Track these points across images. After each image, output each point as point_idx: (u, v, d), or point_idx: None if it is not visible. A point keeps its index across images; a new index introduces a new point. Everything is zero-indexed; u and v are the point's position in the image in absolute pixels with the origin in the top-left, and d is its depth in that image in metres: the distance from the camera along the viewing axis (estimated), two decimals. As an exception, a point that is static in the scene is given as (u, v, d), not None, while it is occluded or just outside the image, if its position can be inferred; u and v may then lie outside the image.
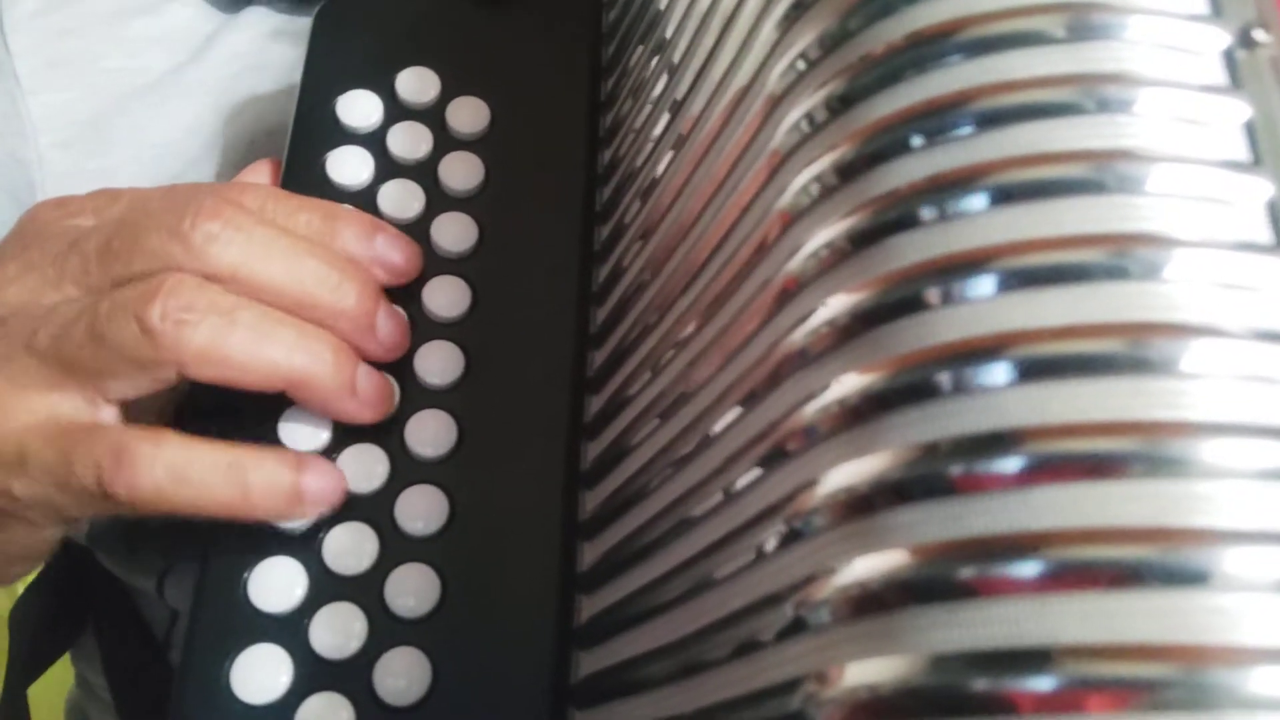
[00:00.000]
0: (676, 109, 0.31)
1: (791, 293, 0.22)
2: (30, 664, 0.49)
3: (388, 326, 0.32)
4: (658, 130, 0.32)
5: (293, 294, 0.30)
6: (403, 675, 0.30)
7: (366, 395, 0.31)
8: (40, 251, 0.30)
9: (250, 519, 0.29)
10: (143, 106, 0.43)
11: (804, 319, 0.21)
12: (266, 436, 0.32)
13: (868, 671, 0.18)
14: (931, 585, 0.18)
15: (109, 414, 0.30)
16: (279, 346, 0.29)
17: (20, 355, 0.29)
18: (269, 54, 0.45)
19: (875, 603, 0.18)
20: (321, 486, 0.30)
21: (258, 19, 0.46)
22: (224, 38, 0.45)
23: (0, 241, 0.32)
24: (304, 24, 0.44)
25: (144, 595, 0.45)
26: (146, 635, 0.45)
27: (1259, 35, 0.20)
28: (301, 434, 0.32)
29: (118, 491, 0.28)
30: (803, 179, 0.22)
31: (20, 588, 0.50)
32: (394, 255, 0.33)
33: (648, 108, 0.34)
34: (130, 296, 0.28)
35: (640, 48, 0.36)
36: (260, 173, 0.36)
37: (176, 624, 0.45)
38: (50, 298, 0.30)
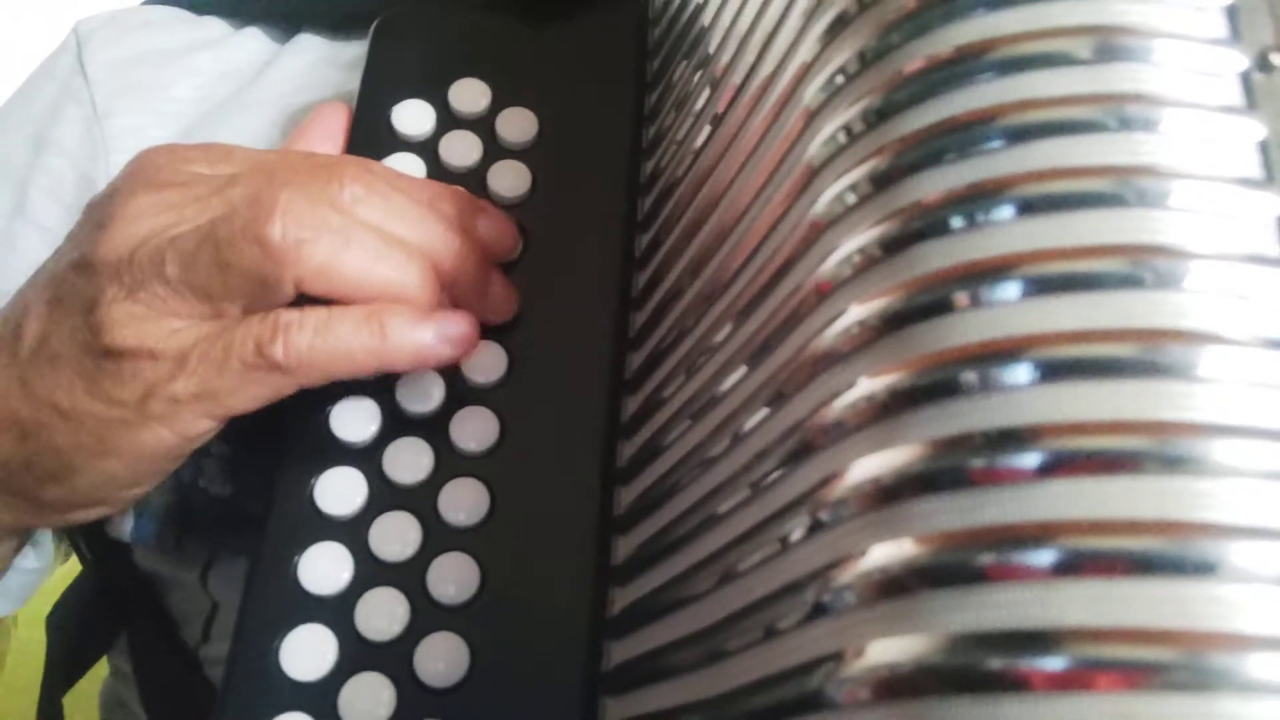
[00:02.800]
0: (717, 122, 0.32)
1: (824, 296, 0.23)
2: (69, 667, 0.50)
3: (501, 291, 0.35)
4: (698, 142, 0.34)
5: (415, 243, 0.33)
6: (442, 659, 0.31)
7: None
8: (178, 192, 0.32)
9: (394, 364, 0.32)
10: (208, 126, 0.46)
11: (834, 320, 0.22)
12: (318, 427, 0.34)
13: (888, 650, 0.19)
14: (950, 570, 0.19)
15: None
16: (390, 266, 0.32)
17: (155, 284, 0.31)
18: (322, 74, 0.47)
19: (896, 586, 0.19)
20: (454, 327, 0.32)
21: (309, 46, 0.49)
22: (280, 62, 0.48)
23: (120, 179, 0.33)
24: (351, 53, 0.46)
25: (183, 588, 0.46)
26: (178, 645, 0.47)
27: (1275, 59, 0.21)
28: (352, 425, 0.34)
29: (276, 354, 0.30)
30: (837, 188, 0.23)
31: (50, 598, 0.52)
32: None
33: (689, 120, 0.35)
34: (247, 218, 0.30)
35: (684, 63, 0.37)
36: (334, 117, 0.38)
37: (216, 616, 0.46)
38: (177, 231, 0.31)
